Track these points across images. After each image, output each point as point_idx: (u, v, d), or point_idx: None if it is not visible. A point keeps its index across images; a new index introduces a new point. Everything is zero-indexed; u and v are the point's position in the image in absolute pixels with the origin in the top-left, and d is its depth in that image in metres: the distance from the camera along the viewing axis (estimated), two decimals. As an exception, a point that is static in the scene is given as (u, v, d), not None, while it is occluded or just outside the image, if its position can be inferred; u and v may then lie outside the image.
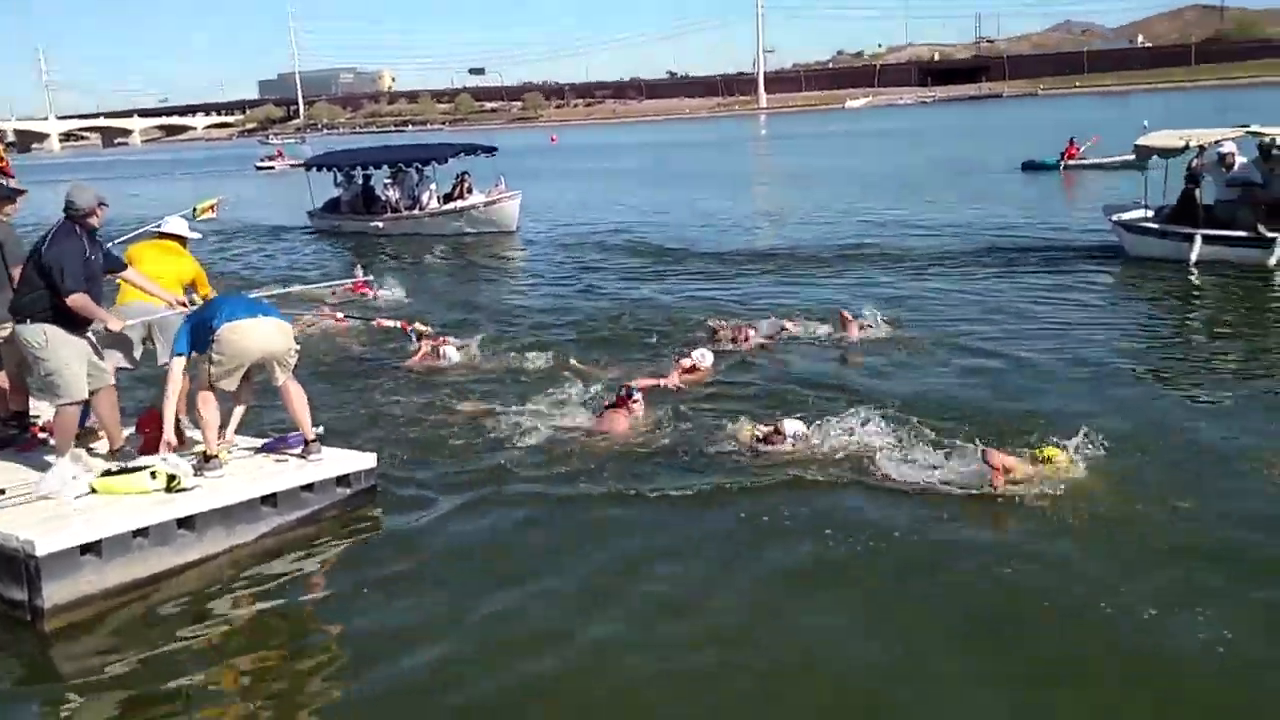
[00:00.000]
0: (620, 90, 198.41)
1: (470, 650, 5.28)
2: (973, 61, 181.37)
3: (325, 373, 10.80)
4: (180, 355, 6.83)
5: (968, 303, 13.38)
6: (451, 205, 24.15)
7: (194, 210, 11.23)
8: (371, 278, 13.84)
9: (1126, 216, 16.13)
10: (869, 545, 6.20)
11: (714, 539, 6.44)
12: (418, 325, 11.99)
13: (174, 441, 6.84)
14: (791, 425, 7.93)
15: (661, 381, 9.61)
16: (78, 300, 6.50)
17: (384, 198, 25.20)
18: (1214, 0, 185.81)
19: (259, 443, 7.49)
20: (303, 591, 6.11)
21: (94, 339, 6.96)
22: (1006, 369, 10.11)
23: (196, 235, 8.46)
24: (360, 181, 26.17)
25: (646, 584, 5.93)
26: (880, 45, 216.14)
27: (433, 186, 24.91)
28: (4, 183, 7.57)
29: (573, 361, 10.72)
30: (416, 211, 24.64)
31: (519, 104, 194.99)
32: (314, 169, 26.99)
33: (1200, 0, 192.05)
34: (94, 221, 6.77)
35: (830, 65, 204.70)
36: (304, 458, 7.10)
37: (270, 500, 6.72)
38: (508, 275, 19.07)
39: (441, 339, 11.47)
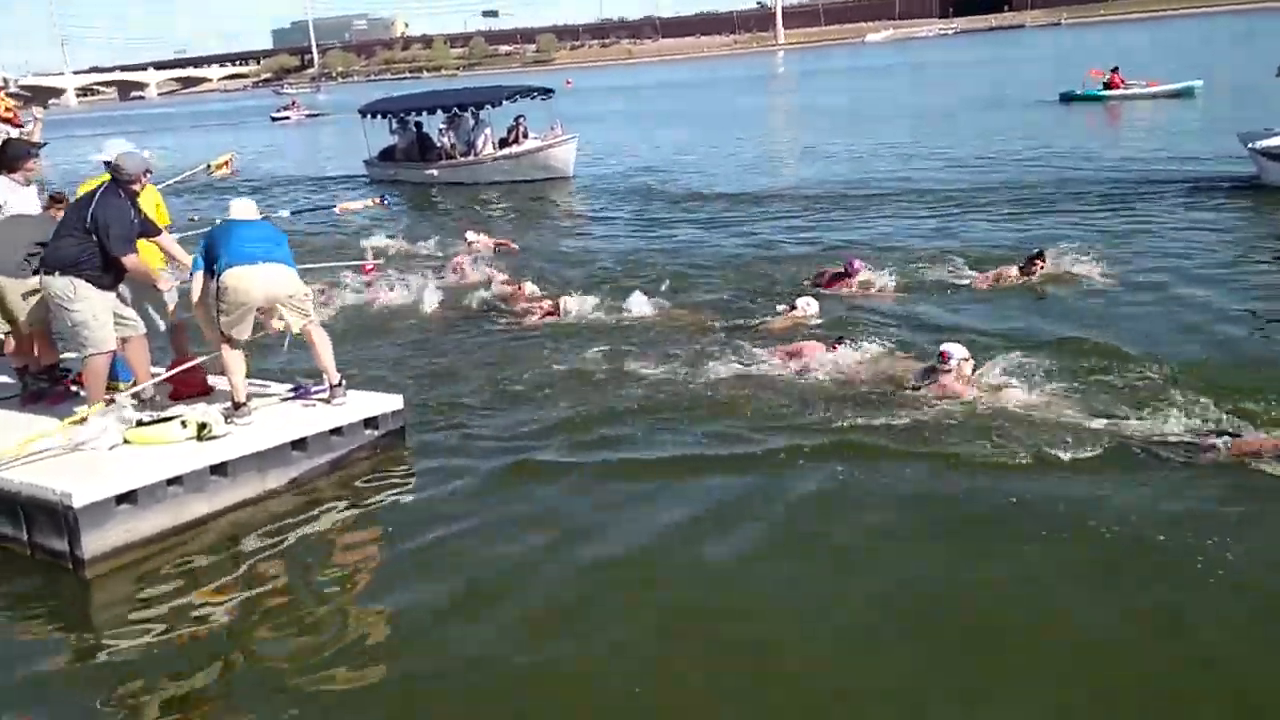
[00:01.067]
0: (636, 30, 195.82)
1: (503, 610, 5.24)
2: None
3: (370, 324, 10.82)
4: (198, 271, 6.87)
5: (1117, 240, 12.37)
6: (507, 150, 23.56)
7: (209, 167, 11.20)
8: (381, 261, 12.27)
9: (1266, 144, 14.80)
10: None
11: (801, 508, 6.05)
12: (528, 285, 11.45)
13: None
14: (956, 349, 7.51)
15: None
16: (131, 260, 6.65)
17: (439, 144, 24.64)
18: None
19: (285, 388, 7.54)
20: (332, 536, 6.16)
21: (123, 292, 6.98)
22: (1184, 312, 9.29)
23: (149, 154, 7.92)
24: (414, 129, 25.50)
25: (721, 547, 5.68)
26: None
27: (488, 131, 24.12)
28: (15, 134, 7.53)
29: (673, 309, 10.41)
30: (471, 158, 24.01)
31: (533, 46, 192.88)
32: (368, 116, 26.24)
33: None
34: (136, 188, 6.80)
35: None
36: (329, 402, 7.15)
37: (300, 444, 6.77)
38: (574, 222, 18.23)
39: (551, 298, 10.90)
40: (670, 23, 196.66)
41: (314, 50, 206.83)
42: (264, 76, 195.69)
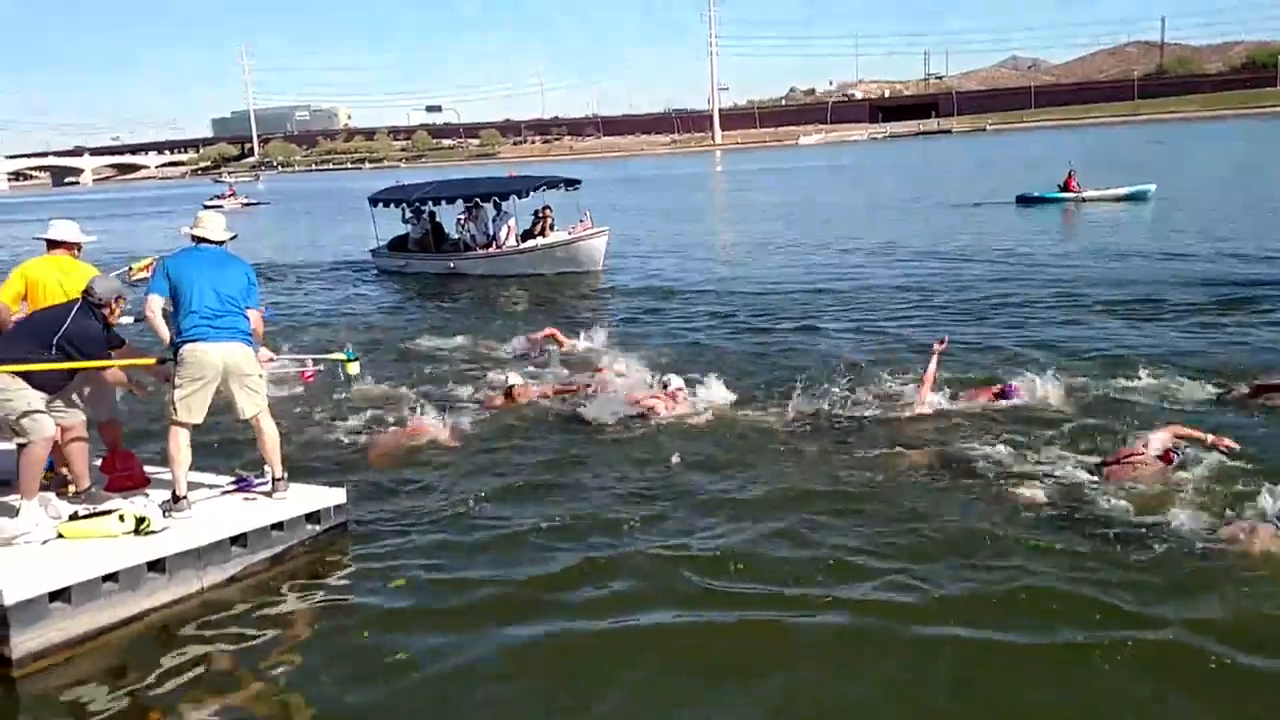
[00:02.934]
0: (577, 127, 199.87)
1: (446, 699, 5.22)
2: (923, 98, 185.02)
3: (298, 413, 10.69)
4: (153, 294, 6.78)
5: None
6: (534, 242, 22.30)
7: (129, 269, 11.05)
8: (321, 369, 10.44)
9: None
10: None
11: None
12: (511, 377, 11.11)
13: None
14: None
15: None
16: (112, 374, 6.97)
17: (458, 234, 23.58)
18: (1154, 37, 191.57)
19: (226, 480, 7.44)
20: (272, 634, 6.01)
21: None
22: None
23: (91, 238, 7.92)
24: (428, 218, 24.34)
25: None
26: (832, 82, 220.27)
27: (511, 222, 22.91)
28: None
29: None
30: (493, 250, 22.76)
31: (476, 141, 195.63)
32: (379, 204, 25.05)
33: (1141, 37, 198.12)
34: (106, 312, 6.75)
35: (784, 102, 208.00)
36: (271, 495, 7.08)
37: (240, 540, 6.67)
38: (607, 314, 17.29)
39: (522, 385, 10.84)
40: (611, 121, 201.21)
41: (255, 139, 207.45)
42: (202, 165, 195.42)
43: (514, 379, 10.90)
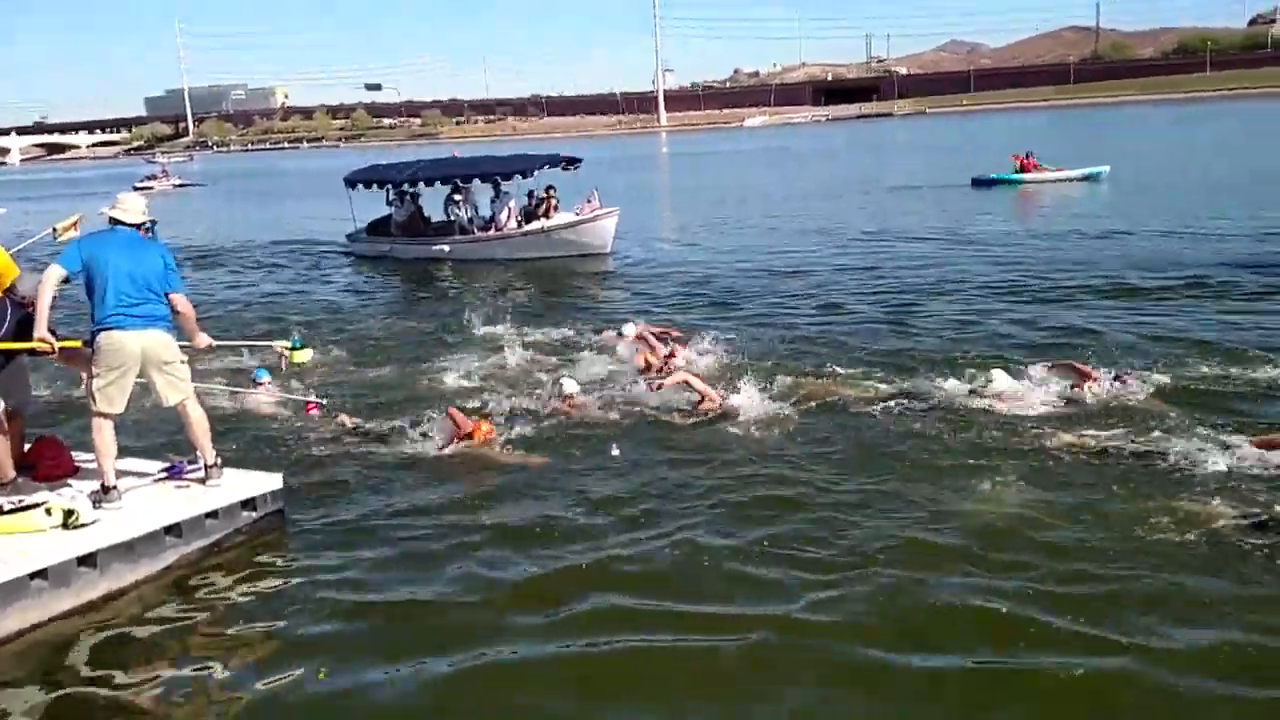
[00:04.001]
0: (521, 108, 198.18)
1: (385, 687, 5.14)
2: (865, 81, 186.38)
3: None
4: (56, 265, 6.48)
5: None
6: (539, 224, 20.93)
7: (54, 230, 10.65)
8: (325, 402, 9.81)
9: None
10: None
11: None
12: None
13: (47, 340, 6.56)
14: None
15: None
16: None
17: (452, 217, 21.91)
18: (1090, 23, 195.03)
19: (158, 467, 7.25)
20: (208, 627, 5.87)
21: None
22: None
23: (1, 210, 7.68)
24: (412, 201, 22.93)
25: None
26: (776, 65, 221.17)
27: (512, 204, 21.59)
28: None
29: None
30: (493, 233, 21.45)
31: (418, 120, 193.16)
32: (357, 186, 23.43)
33: (1077, 22, 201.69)
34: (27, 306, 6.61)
35: (728, 84, 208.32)
36: (204, 482, 6.91)
37: (174, 530, 6.50)
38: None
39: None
40: (555, 101, 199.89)
41: (189, 119, 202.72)
42: (135, 145, 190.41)
43: (569, 386, 9.74)
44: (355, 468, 8.37)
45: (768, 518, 6.90)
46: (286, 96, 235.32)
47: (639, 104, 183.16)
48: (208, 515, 6.71)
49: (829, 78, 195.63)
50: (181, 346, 6.97)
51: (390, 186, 23.01)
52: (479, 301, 16.05)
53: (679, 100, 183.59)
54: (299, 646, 5.54)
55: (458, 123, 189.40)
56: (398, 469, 8.27)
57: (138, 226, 6.79)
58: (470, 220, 21.84)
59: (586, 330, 13.16)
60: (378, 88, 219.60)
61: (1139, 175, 32.74)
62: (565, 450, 8.50)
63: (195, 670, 5.39)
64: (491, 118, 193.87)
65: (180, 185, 64.31)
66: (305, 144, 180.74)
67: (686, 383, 9.65)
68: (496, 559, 6.50)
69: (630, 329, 12.00)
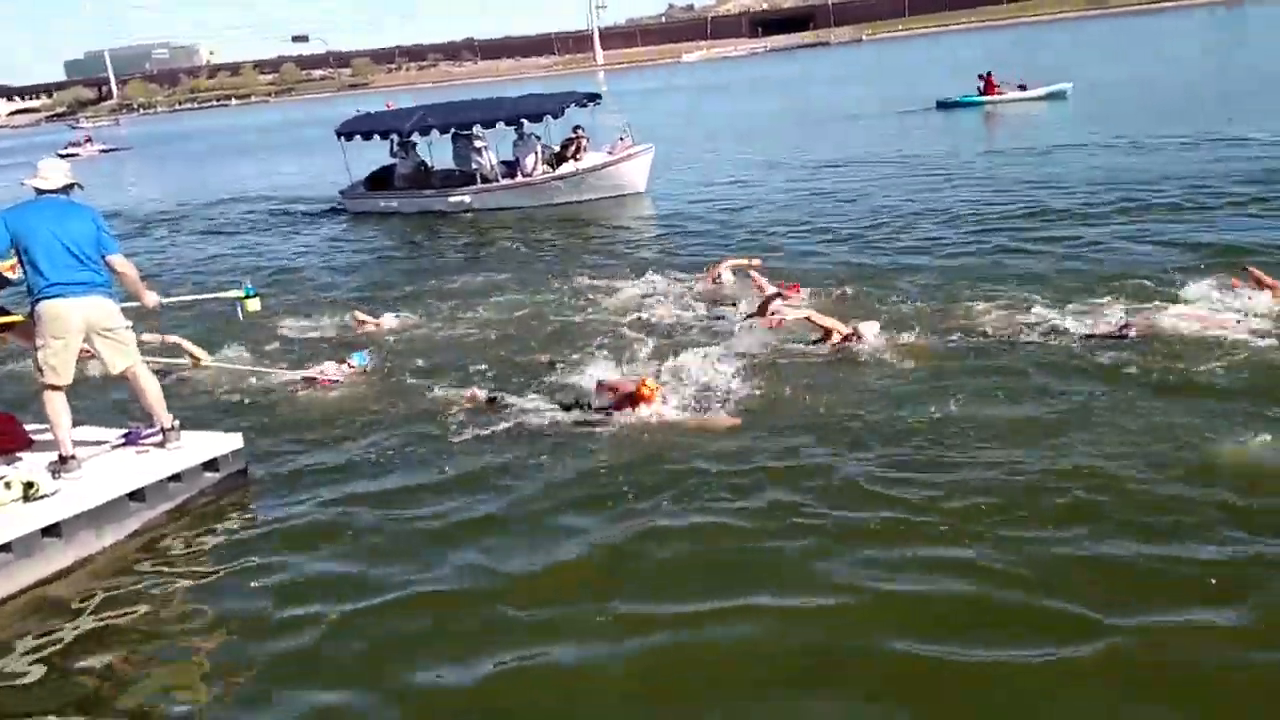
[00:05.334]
0: (454, 52, 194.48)
1: (351, 651, 5.07)
2: (800, 10, 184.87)
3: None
4: None
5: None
6: (572, 167, 19.62)
7: None
8: (340, 379, 9.18)
9: None
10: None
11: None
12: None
13: None
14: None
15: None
16: None
17: (475, 165, 20.36)
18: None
19: (115, 434, 7.17)
20: (177, 592, 5.82)
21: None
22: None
23: None
24: (417, 150, 21.57)
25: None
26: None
27: (538, 148, 20.20)
28: None
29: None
30: (519, 179, 19.97)
31: (348, 70, 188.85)
32: (354, 137, 21.61)
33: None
34: None
35: (663, 20, 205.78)
36: (164, 446, 6.85)
37: (138, 495, 6.45)
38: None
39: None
40: (488, 44, 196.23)
41: (112, 81, 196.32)
42: (58, 111, 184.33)
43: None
44: (313, 414, 8.38)
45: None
46: (212, 54, 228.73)
47: (575, 44, 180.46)
48: (170, 479, 6.68)
49: (764, 8, 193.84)
50: (129, 308, 6.87)
51: (396, 136, 21.42)
52: (531, 254, 15.35)
53: (615, 38, 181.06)
54: (266, 606, 5.51)
55: (389, 70, 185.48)
56: (361, 412, 8.24)
57: (64, 190, 6.62)
58: (492, 167, 20.35)
59: (671, 275, 12.21)
60: (305, 39, 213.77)
61: (1102, 91, 32.00)
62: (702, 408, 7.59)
63: (167, 634, 5.39)
64: (424, 64, 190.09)
65: (107, 150, 62.44)
66: (234, 101, 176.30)
67: (809, 319, 8.96)
68: (460, 510, 6.52)
69: (727, 269, 11.48)
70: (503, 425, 7.66)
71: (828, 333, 8.77)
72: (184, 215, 25.35)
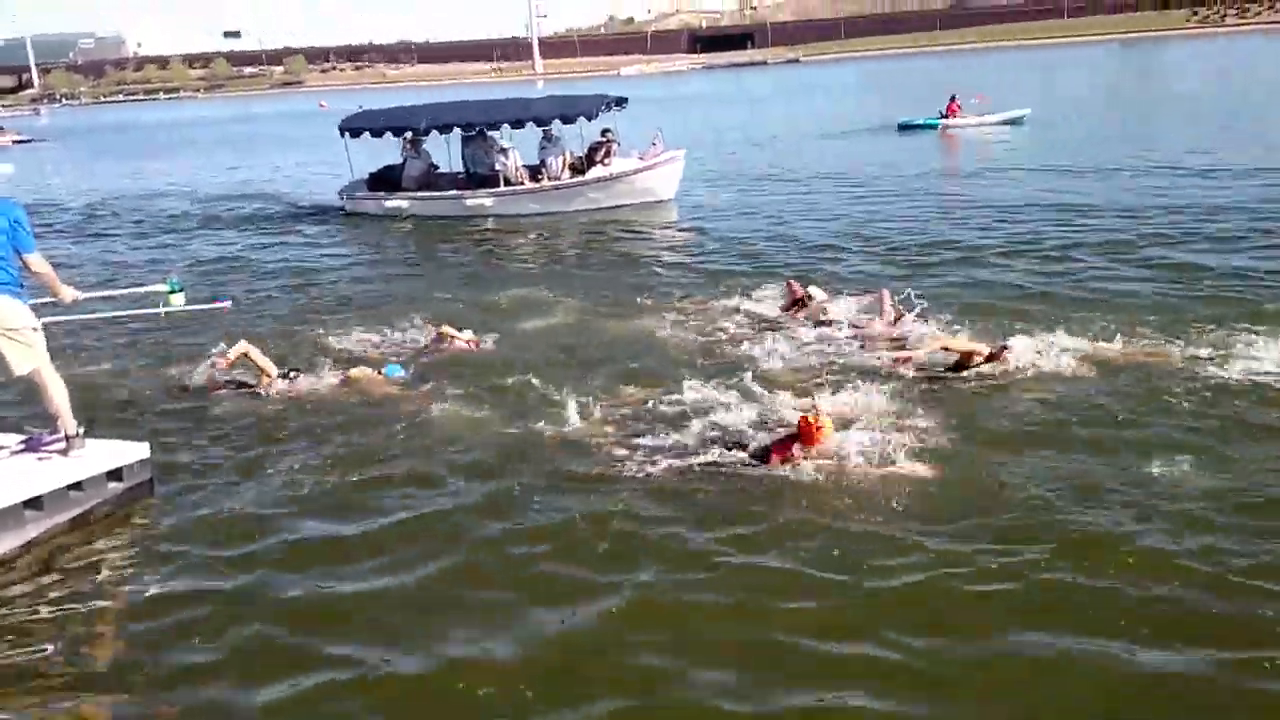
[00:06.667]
0: (392, 54, 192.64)
1: (258, 652, 5.00)
2: (739, 28, 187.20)
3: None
4: None
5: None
6: (603, 172, 18.95)
7: None
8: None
9: None
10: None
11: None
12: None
13: None
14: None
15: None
16: None
17: (499, 166, 19.28)
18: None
19: (16, 440, 6.89)
20: (73, 603, 5.59)
21: None
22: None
23: None
24: (427, 150, 20.63)
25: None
26: (650, 11, 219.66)
27: (566, 152, 19.49)
28: None
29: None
30: (546, 183, 19.26)
31: (280, 68, 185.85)
32: (358, 134, 20.70)
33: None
34: None
35: (603, 32, 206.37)
36: (67, 453, 6.58)
37: (35, 503, 6.20)
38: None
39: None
40: (427, 48, 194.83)
41: (33, 70, 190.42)
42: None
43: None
44: (216, 424, 8.15)
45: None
46: (139, 46, 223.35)
47: (514, 51, 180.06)
48: (71, 487, 6.42)
49: (704, 25, 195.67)
50: (47, 304, 6.61)
51: (409, 134, 20.29)
52: (580, 264, 14.48)
53: (554, 47, 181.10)
54: (159, 618, 5.34)
55: (323, 70, 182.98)
56: (264, 420, 8.05)
57: None
58: (516, 169, 19.43)
59: (734, 293, 11.33)
60: (236, 35, 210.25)
61: (1056, 118, 32.52)
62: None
63: (56, 645, 5.17)
64: (360, 64, 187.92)
65: (20, 141, 60.01)
66: (162, 95, 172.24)
67: (945, 347, 8.17)
68: (365, 528, 6.41)
69: (817, 291, 10.53)
70: (630, 470, 6.67)
71: (968, 355, 8.07)
72: (183, 213, 23.09)
